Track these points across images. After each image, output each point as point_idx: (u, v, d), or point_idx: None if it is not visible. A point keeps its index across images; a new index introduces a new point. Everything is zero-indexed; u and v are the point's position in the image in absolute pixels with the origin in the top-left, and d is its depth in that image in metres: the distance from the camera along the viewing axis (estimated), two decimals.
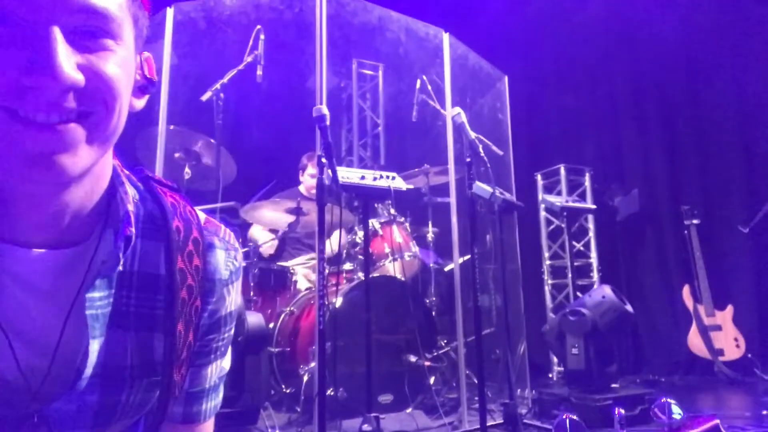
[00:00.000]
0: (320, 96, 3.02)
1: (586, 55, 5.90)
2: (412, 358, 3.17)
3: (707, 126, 5.39)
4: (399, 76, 4.95)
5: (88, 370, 0.70)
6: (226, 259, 0.84)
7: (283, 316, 3.42)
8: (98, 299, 0.71)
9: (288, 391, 3.24)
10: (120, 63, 0.65)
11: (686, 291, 4.89)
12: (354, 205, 4.02)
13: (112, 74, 0.63)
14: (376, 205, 3.85)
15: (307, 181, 4.25)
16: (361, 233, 3.63)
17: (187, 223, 0.81)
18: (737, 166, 5.24)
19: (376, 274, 3.41)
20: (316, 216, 2.43)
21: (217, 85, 3.44)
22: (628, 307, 3.13)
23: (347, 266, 3.69)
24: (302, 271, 3.90)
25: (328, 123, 2.40)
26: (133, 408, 0.77)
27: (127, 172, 0.79)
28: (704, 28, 5.26)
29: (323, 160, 2.37)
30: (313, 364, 3.05)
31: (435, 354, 3.33)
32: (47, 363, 0.70)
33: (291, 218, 3.66)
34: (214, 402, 0.88)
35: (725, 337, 4.63)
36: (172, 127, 3.23)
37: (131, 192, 0.76)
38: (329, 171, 2.41)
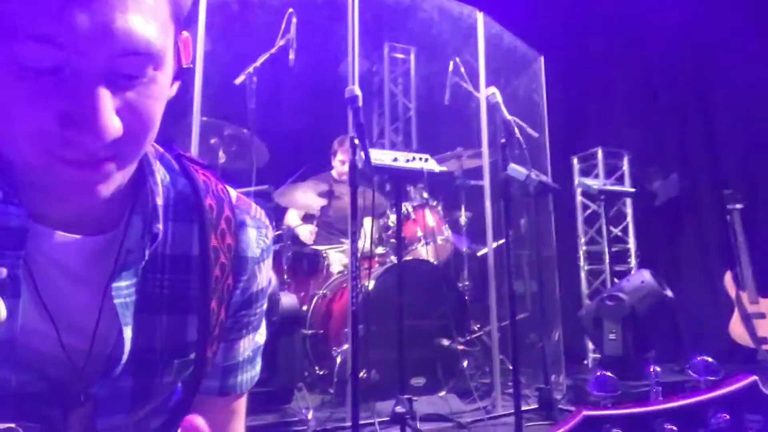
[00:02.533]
0: (352, 77, 2.99)
1: (625, 35, 5.72)
2: (445, 342, 3.15)
3: (750, 107, 5.18)
4: (432, 58, 4.88)
5: (124, 357, 0.71)
6: (257, 237, 0.83)
7: (316, 299, 3.43)
8: (125, 288, 0.71)
9: (321, 372, 3.25)
10: (159, 93, 0.63)
11: (728, 278, 4.73)
12: (386, 190, 3.99)
13: (150, 112, 0.62)
14: (408, 188, 3.81)
15: (338, 166, 4.23)
16: (393, 217, 3.61)
17: (219, 201, 0.80)
18: None
19: (408, 258, 3.38)
20: (349, 199, 2.41)
21: (250, 69, 3.44)
22: (668, 293, 3.04)
23: (379, 250, 3.68)
24: (335, 254, 3.90)
25: (360, 104, 2.38)
26: (167, 387, 0.78)
27: (161, 151, 0.78)
28: (748, 8, 5.05)
29: (356, 141, 2.35)
30: (346, 346, 3.05)
31: (468, 338, 3.30)
32: (88, 345, 0.70)
33: (323, 201, 3.66)
34: (249, 374, 0.87)
35: None
36: (204, 118, 3.24)
37: (161, 177, 0.75)
38: (362, 153, 2.39)
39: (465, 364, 3.21)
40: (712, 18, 5.22)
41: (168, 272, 0.74)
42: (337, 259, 3.85)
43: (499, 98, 2.67)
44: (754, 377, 0.50)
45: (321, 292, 3.44)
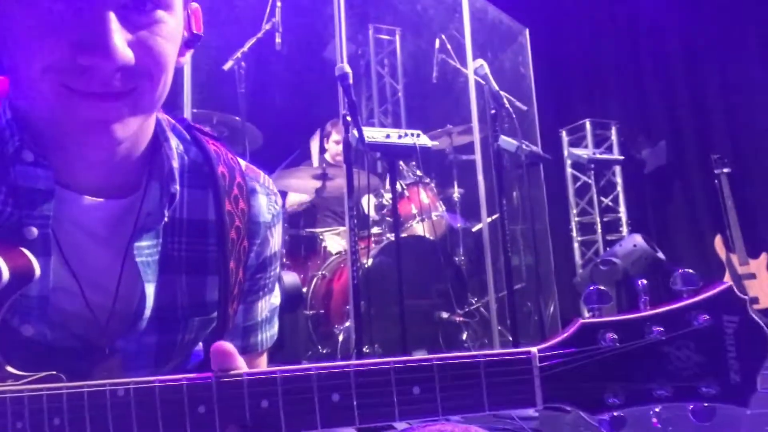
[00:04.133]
0: (340, 55, 3.01)
1: (608, 5, 5.74)
2: (444, 315, 3.20)
3: (734, 72, 5.24)
4: (418, 35, 4.89)
5: (147, 312, 0.75)
6: (268, 203, 0.87)
7: (315, 279, 3.48)
8: (146, 248, 0.75)
9: (325, 351, 3.30)
10: (169, 34, 0.67)
11: (718, 241, 4.81)
12: (377, 171, 4.02)
13: (161, 49, 0.65)
14: (401, 166, 3.84)
15: (332, 147, 4.24)
16: (387, 195, 3.64)
17: (231, 169, 0.84)
18: (767, 108, 5.10)
19: (404, 235, 3.42)
20: (344, 179, 2.45)
21: (238, 54, 3.45)
22: (660, 255, 3.11)
23: (375, 230, 3.72)
24: (331, 237, 3.94)
25: (351, 81, 2.40)
26: (189, 345, 0.83)
27: (172, 122, 0.82)
28: None
29: (348, 118, 2.38)
30: (348, 323, 3.10)
31: (467, 310, 3.36)
32: (110, 302, 0.74)
33: (317, 184, 3.69)
34: (268, 333, 0.92)
35: (759, 285, 4.57)
36: (195, 110, 3.25)
37: (175, 145, 0.79)
38: (355, 130, 2.42)
39: (465, 335, 3.27)
40: None
41: (186, 236, 0.79)
42: (333, 241, 3.89)
43: (487, 70, 2.71)
44: (729, 283, 0.55)
45: (320, 272, 3.48)
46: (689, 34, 5.45)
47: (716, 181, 4.89)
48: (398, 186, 3.62)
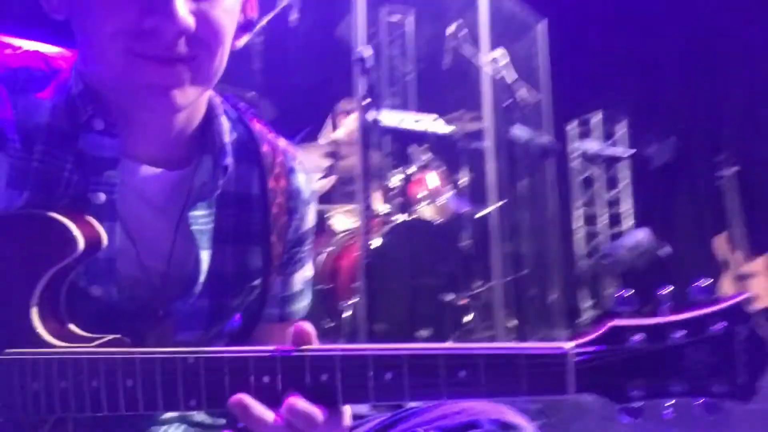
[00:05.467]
0: (356, 38, 3.04)
1: (624, 1, 5.73)
2: (450, 297, 3.28)
3: (745, 70, 5.26)
4: (434, 20, 4.89)
5: (201, 277, 0.81)
6: (306, 181, 0.93)
7: (322, 256, 3.54)
8: (200, 217, 0.81)
9: (328, 326, 3.38)
10: (228, 8, 0.72)
11: (722, 239, 4.87)
12: (388, 151, 4.06)
13: (220, 21, 0.70)
14: (410, 149, 3.88)
15: (349, 125, 4.23)
16: (395, 177, 3.69)
17: (274, 147, 0.90)
18: None
19: (412, 217, 3.48)
20: (357, 158, 2.50)
21: (256, 29, 3.47)
22: (665, 249, 3.17)
23: (384, 209, 3.77)
24: (338, 216, 3.99)
25: (370, 65, 2.44)
26: (234, 310, 0.89)
27: (220, 99, 0.87)
28: None
29: (367, 101, 2.42)
30: (354, 300, 3.17)
31: (471, 293, 3.43)
32: (164, 266, 0.80)
33: (329, 162, 3.73)
34: (303, 303, 0.98)
35: (760, 285, 4.63)
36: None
37: (225, 123, 0.84)
38: (374, 112, 2.46)
39: (469, 317, 3.35)
40: None
41: (233, 207, 0.85)
42: (340, 220, 3.94)
43: (505, 60, 2.74)
44: (748, 294, 0.61)
45: (328, 249, 3.55)
46: (703, 32, 5.46)
47: (722, 179, 4.94)
48: (409, 169, 3.67)
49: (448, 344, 0.62)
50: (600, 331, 0.60)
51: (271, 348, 0.63)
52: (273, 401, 0.61)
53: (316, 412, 0.60)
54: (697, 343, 0.61)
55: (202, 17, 0.68)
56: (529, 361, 0.59)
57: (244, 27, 0.80)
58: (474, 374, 0.59)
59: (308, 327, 0.63)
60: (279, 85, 4.44)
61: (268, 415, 0.60)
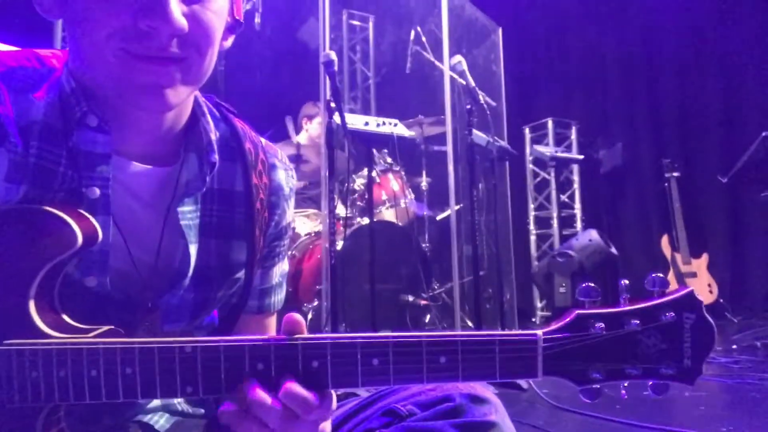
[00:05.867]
0: (323, 42, 3.07)
1: (577, 10, 5.95)
2: (410, 298, 3.35)
3: (689, 80, 5.57)
4: (397, 26, 4.97)
5: (190, 271, 0.84)
6: (286, 177, 0.97)
7: None
8: (188, 212, 0.84)
9: None
10: (218, 10, 0.75)
11: (665, 240, 5.12)
12: (351, 154, 4.10)
13: (210, 22, 0.73)
14: (374, 152, 3.94)
15: (313, 129, 4.26)
16: (359, 180, 3.74)
17: (255, 145, 0.93)
18: (717, 119, 5.44)
19: (374, 220, 3.54)
20: (320, 160, 2.53)
21: None
22: (613, 250, 3.32)
23: (343, 212, 3.81)
24: (300, 219, 4.01)
25: (336, 68, 2.48)
26: (217, 302, 0.92)
27: (203, 99, 0.90)
28: None
29: (332, 104, 2.46)
30: (316, 303, 3.21)
31: (431, 294, 3.51)
32: (153, 259, 0.83)
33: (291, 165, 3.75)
34: (280, 296, 1.03)
35: (700, 283, 4.89)
36: None
37: (211, 121, 0.87)
38: (337, 116, 2.51)
39: (428, 318, 3.43)
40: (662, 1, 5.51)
41: (217, 203, 0.88)
42: (301, 222, 3.97)
43: (464, 66, 2.82)
44: (691, 288, 0.69)
45: (290, 252, 3.57)
46: (651, 42, 5.73)
47: (666, 184, 5.19)
48: (371, 172, 3.73)
49: (431, 332, 0.66)
50: (566, 320, 0.67)
51: (264, 336, 0.67)
52: (268, 387, 0.64)
53: (311, 396, 0.64)
54: (650, 330, 0.68)
55: (193, 19, 0.71)
56: (503, 346, 0.65)
57: (231, 28, 0.83)
58: (453, 359, 0.65)
59: (299, 317, 0.67)
60: (240, 88, 4.43)
61: (266, 398, 0.63)
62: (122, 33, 0.68)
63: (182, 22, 0.69)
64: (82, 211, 0.73)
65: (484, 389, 0.79)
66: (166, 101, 0.73)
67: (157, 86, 0.71)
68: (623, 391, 0.72)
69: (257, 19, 3.89)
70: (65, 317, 0.71)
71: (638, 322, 0.68)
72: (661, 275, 0.71)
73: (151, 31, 0.68)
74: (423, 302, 3.36)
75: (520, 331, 0.66)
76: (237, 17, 0.83)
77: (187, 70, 0.73)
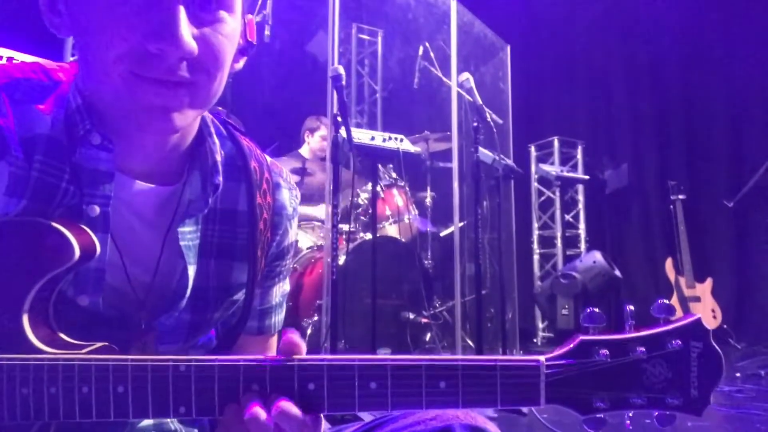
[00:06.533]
0: (332, 56, 3.08)
1: (585, 31, 5.98)
2: (411, 315, 3.32)
3: (696, 104, 5.56)
4: (406, 42, 5.00)
5: (188, 292, 0.82)
6: (290, 196, 0.96)
7: None
8: (188, 233, 0.83)
9: None
10: (229, 34, 0.73)
11: (669, 264, 5.08)
12: (356, 169, 4.11)
13: (221, 47, 0.72)
14: (378, 167, 3.94)
15: (316, 143, 4.28)
16: (363, 195, 3.73)
17: (261, 164, 0.92)
18: (724, 142, 5.43)
19: (377, 236, 3.52)
20: (325, 175, 2.53)
21: None
22: (617, 272, 3.29)
23: (346, 227, 3.80)
24: (302, 233, 4.00)
25: (344, 83, 2.48)
26: (213, 323, 0.90)
27: (210, 117, 0.89)
28: (700, 10, 5.37)
29: (339, 119, 2.46)
30: (316, 318, 3.18)
31: (432, 312, 3.48)
32: (150, 279, 0.82)
33: (295, 179, 3.75)
34: (280, 316, 1.01)
35: (703, 308, 4.85)
36: None
37: (217, 141, 0.86)
38: (343, 130, 2.50)
39: (428, 336, 3.40)
40: (668, 18, 5.53)
41: (219, 224, 0.87)
42: (304, 236, 3.96)
43: (472, 84, 2.83)
44: (698, 315, 0.68)
45: (291, 266, 3.55)
46: (657, 64, 5.74)
47: (671, 206, 5.16)
48: (375, 187, 3.72)
49: (430, 356, 0.64)
50: (570, 346, 0.65)
51: (260, 357, 0.65)
52: (262, 409, 0.62)
53: (304, 417, 0.62)
54: (656, 359, 0.66)
55: (204, 42, 0.70)
56: (504, 372, 0.63)
57: (243, 50, 0.81)
58: (453, 385, 0.63)
59: (297, 338, 0.66)
60: (248, 100, 4.45)
61: (261, 414, 0.62)
62: (131, 55, 0.67)
63: (192, 46, 0.68)
64: (84, 227, 0.72)
65: (485, 421, 0.77)
66: (173, 124, 0.71)
67: (164, 109, 0.70)
68: (627, 422, 0.70)
69: (267, 32, 3.90)
70: (59, 333, 0.69)
71: (644, 349, 0.66)
72: (668, 302, 0.70)
73: (161, 54, 0.67)
74: (424, 320, 3.34)
75: (522, 357, 0.64)
76: (250, 39, 0.82)
77: (196, 94, 0.72)
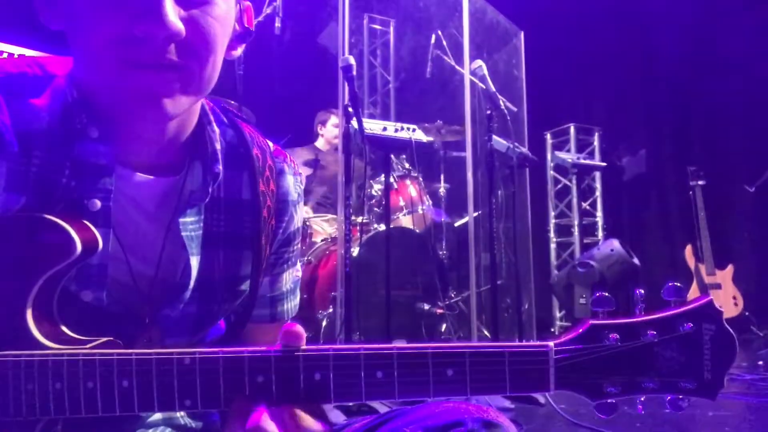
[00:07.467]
0: (342, 47, 3.07)
1: (599, 16, 5.88)
2: (426, 306, 3.31)
3: (714, 88, 5.44)
4: (416, 30, 4.96)
5: (191, 284, 0.82)
6: (294, 182, 0.95)
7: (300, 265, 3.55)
8: (190, 223, 0.82)
9: (306, 335, 3.39)
10: (219, 16, 0.72)
11: (689, 250, 5.00)
12: (368, 160, 4.10)
13: (210, 29, 0.70)
14: (391, 158, 3.93)
15: (330, 132, 4.29)
16: (376, 186, 3.73)
17: (263, 151, 0.91)
18: (744, 127, 5.31)
19: (391, 227, 3.51)
20: (338, 166, 2.52)
21: None
22: (636, 261, 3.25)
23: (359, 219, 3.80)
24: (319, 224, 4.01)
25: (354, 73, 2.47)
26: (220, 315, 0.90)
27: (210, 105, 0.89)
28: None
29: (350, 110, 2.45)
30: (330, 310, 3.19)
31: (447, 303, 3.47)
32: (153, 272, 0.81)
33: (308, 171, 3.76)
34: (293, 303, 1.00)
35: (724, 296, 4.77)
36: None
37: (217, 129, 0.85)
38: (355, 122, 2.49)
39: (443, 327, 3.39)
40: (685, 2, 5.42)
41: (223, 213, 0.86)
42: (320, 228, 3.96)
43: (485, 71, 2.79)
44: (710, 297, 0.66)
45: (306, 258, 3.56)
46: (674, 48, 5.63)
47: (690, 192, 5.08)
48: (389, 178, 3.71)
49: (437, 343, 0.63)
50: (579, 331, 0.64)
51: (264, 348, 0.64)
52: (267, 401, 0.62)
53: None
54: (668, 342, 0.65)
55: (192, 24, 0.69)
56: (513, 359, 0.62)
57: (241, 37, 0.80)
58: (461, 372, 0.62)
59: (297, 328, 0.65)
60: (259, 92, 4.44)
61: (272, 428, 0.61)
62: (118, 40, 0.67)
63: (178, 26, 0.67)
64: (86, 222, 0.72)
65: (498, 414, 0.76)
66: (165, 111, 0.70)
67: (154, 95, 0.69)
68: (639, 406, 0.69)
69: (278, 24, 3.89)
70: (63, 328, 0.69)
71: (655, 333, 0.64)
72: (679, 284, 0.68)
73: (146, 37, 0.66)
74: (439, 311, 3.33)
75: (530, 343, 0.63)
76: (247, 25, 0.80)
77: (188, 80, 0.71)
